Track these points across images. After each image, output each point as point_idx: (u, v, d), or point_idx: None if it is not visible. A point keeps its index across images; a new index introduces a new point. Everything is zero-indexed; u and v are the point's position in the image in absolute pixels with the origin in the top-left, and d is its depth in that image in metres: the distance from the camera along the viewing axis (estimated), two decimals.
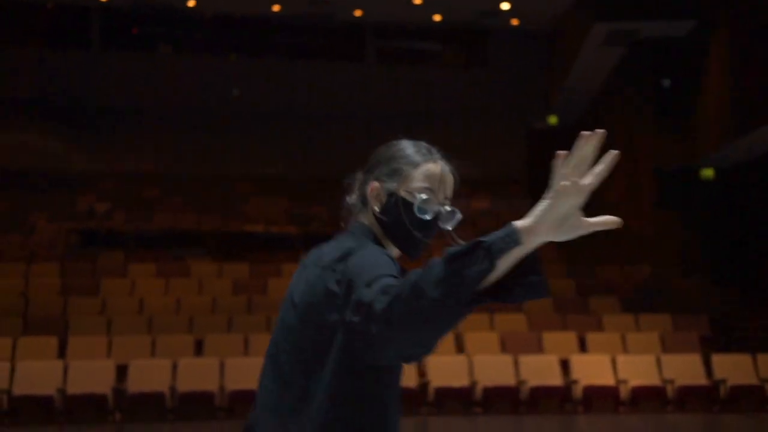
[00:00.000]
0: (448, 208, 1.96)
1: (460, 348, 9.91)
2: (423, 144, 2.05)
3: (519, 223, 1.64)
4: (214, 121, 18.43)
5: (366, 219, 1.97)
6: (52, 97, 17.89)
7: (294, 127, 18.42)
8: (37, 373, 8.49)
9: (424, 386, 9.00)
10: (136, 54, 18.10)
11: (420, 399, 8.93)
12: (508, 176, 18.83)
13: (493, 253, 1.59)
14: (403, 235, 1.93)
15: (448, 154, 2.16)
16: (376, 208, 1.94)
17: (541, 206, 1.63)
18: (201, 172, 18.04)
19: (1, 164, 17.66)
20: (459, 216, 1.97)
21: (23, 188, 16.60)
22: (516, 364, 9.36)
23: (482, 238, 1.61)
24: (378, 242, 1.92)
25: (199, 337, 9.89)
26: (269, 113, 18.32)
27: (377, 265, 1.73)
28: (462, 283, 1.54)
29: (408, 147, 2.01)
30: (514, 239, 1.62)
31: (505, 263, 1.60)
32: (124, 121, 18.23)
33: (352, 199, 2.01)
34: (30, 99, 17.81)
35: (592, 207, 1.68)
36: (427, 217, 1.92)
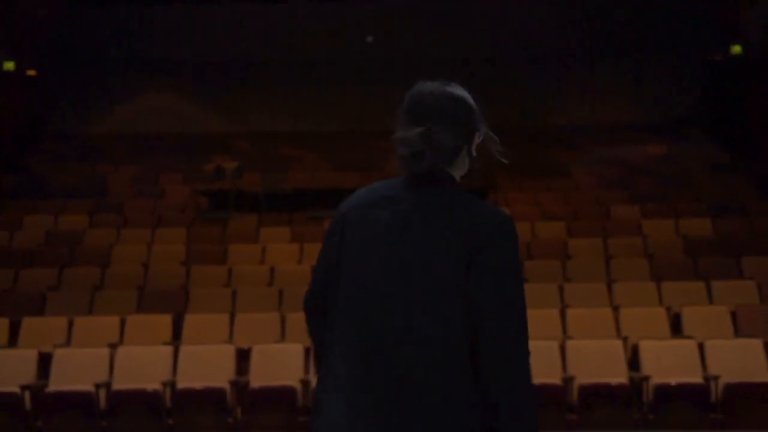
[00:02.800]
0: None
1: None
2: None
3: None
4: (350, 73, 16.34)
5: (456, 171, 1.89)
6: (182, 56, 16.33)
7: (436, 70, 16.03)
8: (145, 360, 6.65)
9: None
10: (267, 5, 16.18)
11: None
12: (683, 117, 15.74)
13: None
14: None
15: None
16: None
17: None
18: (339, 129, 16.06)
19: (133, 129, 16.36)
20: None
21: (156, 152, 15.14)
22: None
23: None
24: None
25: None
26: (406, 59, 16.05)
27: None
28: None
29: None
30: None
31: None
32: (258, 77, 16.47)
33: (429, 142, 1.82)
34: (160, 60, 16.32)
35: None
36: None
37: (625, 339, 6.93)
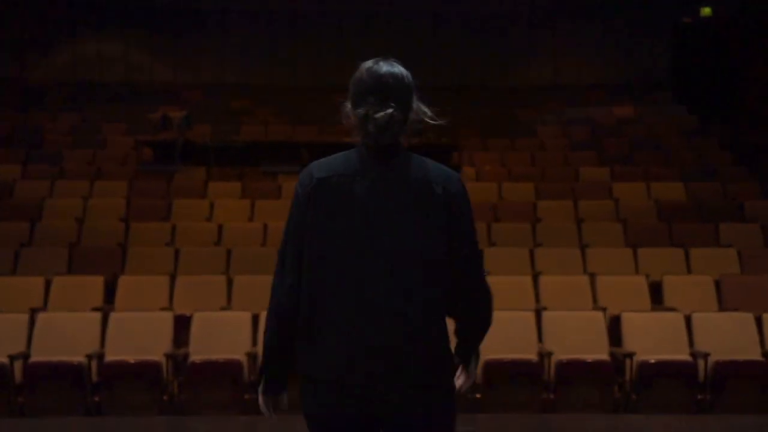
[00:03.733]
0: None
1: None
2: None
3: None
4: (306, 26, 15.33)
5: (402, 138, 2.16)
6: (132, 1, 15.12)
7: (400, 28, 15.12)
8: (70, 328, 5.77)
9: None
10: None
11: None
12: (652, 79, 15.13)
13: None
14: None
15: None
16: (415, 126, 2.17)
17: None
18: (294, 83, 15.08)
19: (75, 76, 15.14)
20: None
21: (99, 101, 14.01)
22: None
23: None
24: None
25: None
26: (368, 12, 15.11)
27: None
28: None
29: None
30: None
31: None
32: (210, 26, 15.35)
33: (394, 119, 2.10)
34: (108, 4, 15.10)
35: None
36: None
37: (604, 310, 6.28)
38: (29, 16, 15.06)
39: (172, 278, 6.90)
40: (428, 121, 2.17)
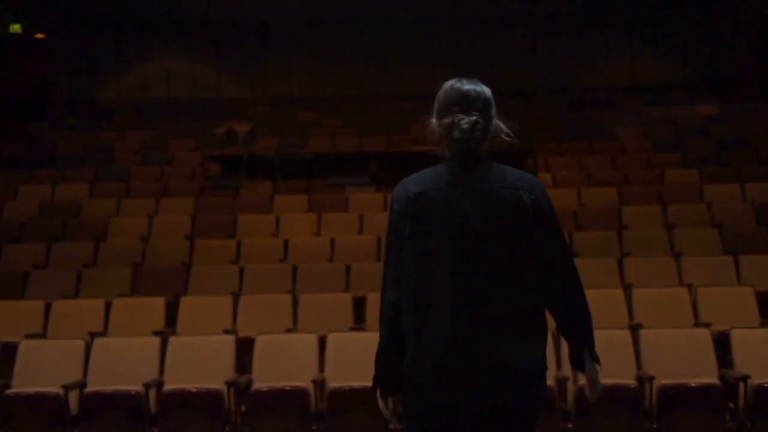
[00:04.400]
0: None
1: None
2: None
3: None
4: (372, 35, 14.89)
5: (485, 147, 2.27)
6: (196, 17, 14.98)
7: (469, 35, 14.54)
8: (128, 354, 5.39)
9: None
10: None
11: None
12: (736, 74, 14.14)
13: None
14: None
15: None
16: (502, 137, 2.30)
17: None
18: (360, 94, 14.65)
19: (145, 95, 15.08)
20: None
21: (168, 119, 13.87)
22: None
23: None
24: None
25: (359, 293, 6.51)
26: (437, 19, 14.56)
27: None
28: None
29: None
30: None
31: None
32: (277, 39, 15.08)
33: (478, 125, 2.21)
34: (173, 21, 14.99)
35: None
36: None
37: (708, 326, 5.56)
38: (101, 36, 15.08)
39: (236, 298, 6.47)
40: (505, 138, 2.29)
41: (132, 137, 12.79)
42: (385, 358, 2.18)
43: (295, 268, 7.15)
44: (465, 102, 2.21)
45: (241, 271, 7.14)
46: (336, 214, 8.71)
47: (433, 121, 2.26)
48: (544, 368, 2.17)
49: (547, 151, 10.83)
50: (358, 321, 6.18)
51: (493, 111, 2.25)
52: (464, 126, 2.18)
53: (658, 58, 14.39)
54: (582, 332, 2.23)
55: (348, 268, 7.14)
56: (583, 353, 2.21)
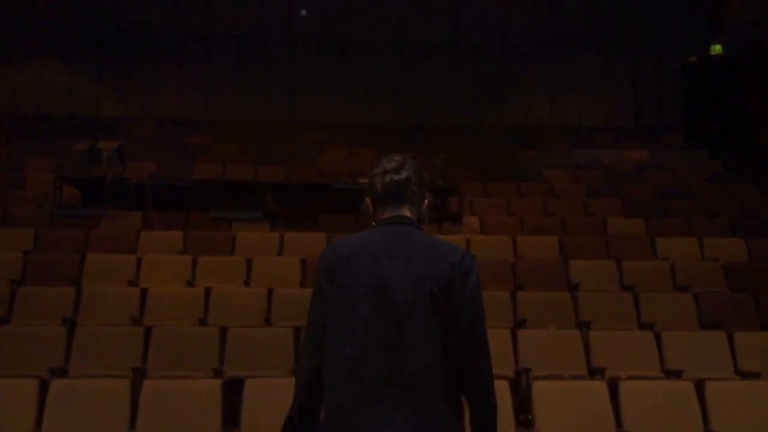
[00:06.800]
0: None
1: None
2: None
3: None
4: (274, 53, 12.93)
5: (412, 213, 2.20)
6: (77, 24, 12.64)
7: (380, 61, 12.77)
8: None
9: None
10: None
11: None
12: (663, 121, 12.93)
13: None
14: None
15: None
16: (425, 218, 2.22)
17: None
18: (260, 118, 12.62)
19: (16, 107, 12.56)
20: None
21: (33, 135, 11.40)
22: None
23: None
24: None
25: (238, 372, 4.40)
26: (344, 39, 12.75)
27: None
28: None
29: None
30: None
31: None
32: (167, 54, 12.89)
33: (411, 204, 2.18)
34: (51, 26, 12.59)
35: None
36: None
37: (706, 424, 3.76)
38: None
39: (62, 374, 4.24)
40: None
41: None
42: (298, 420, 2.09)
43: (148, 332, 4.96)
44: (395, 193, 2.18)
45: (71, 333, 4.90)
46: (217, 257, 6.59)
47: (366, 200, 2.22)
48: None
49: (471, 192, 9.05)
50: (233, 420, 4.07)
51: (422, 191, 2.20)
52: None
53: (581, 100, 13.02)
54: (486, 429, 2.09)
55: (224, 333, 5.03)
56: None
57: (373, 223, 2.16)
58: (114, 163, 7.95)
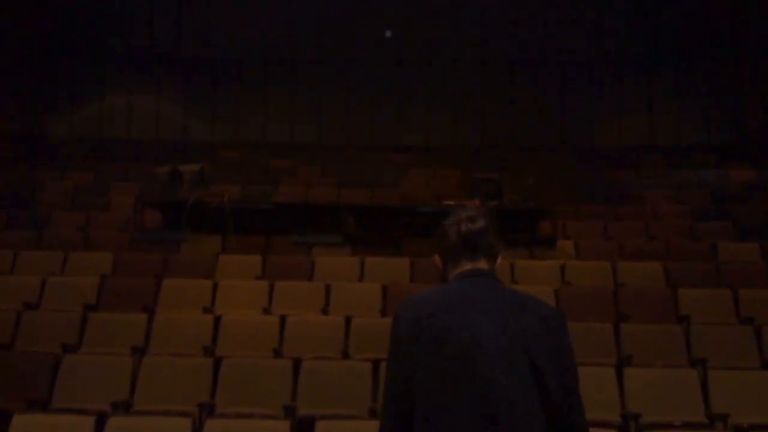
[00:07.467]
0: None
1: None
2: None
3: None
4: (358, 75, 12.65)
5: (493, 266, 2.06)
6: (164, 49, 12.75)
7: (465, 80, 12.29)
8: None
9: None
10: None
11: None
12: (756, 136, 11.94)
13: None
14: None
15: None
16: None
17: None
18: (342, 142, 12.34)
19: (104, 133, 12.72)
20: None
21: (122, 160, 11.46)
22: None
23: None
24: None
25: (317, 410, 3.97)
26: (428, 61, 12.35)
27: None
28: None
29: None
30: None
31: None
32: (251, 79, 12.81)
33: (492, 258, 2.04)
34: (136, 51, 12.73)
35: None
36: None
37: None
38: (53, 66, 12.77)
39: (126, 408, 3.91)
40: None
41: (70, 178, 10.33)
42: None
43: (218, 363, 4.60)
44: (472, 246, 2.00)
45: (138, 363, 4.58)
46: (295, 282, 6.21)
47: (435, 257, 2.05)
48: None
49: (564, 214, 8.42)
50: None
51: (496, 244, 2.03)
52: (473, 271, 1.99)
53: (678, 116, 12.18)
54: None
55: (297, 366, 4.61)
56: None
57: (446, 280, 1.98)
58: (196, 186, 7.74)
